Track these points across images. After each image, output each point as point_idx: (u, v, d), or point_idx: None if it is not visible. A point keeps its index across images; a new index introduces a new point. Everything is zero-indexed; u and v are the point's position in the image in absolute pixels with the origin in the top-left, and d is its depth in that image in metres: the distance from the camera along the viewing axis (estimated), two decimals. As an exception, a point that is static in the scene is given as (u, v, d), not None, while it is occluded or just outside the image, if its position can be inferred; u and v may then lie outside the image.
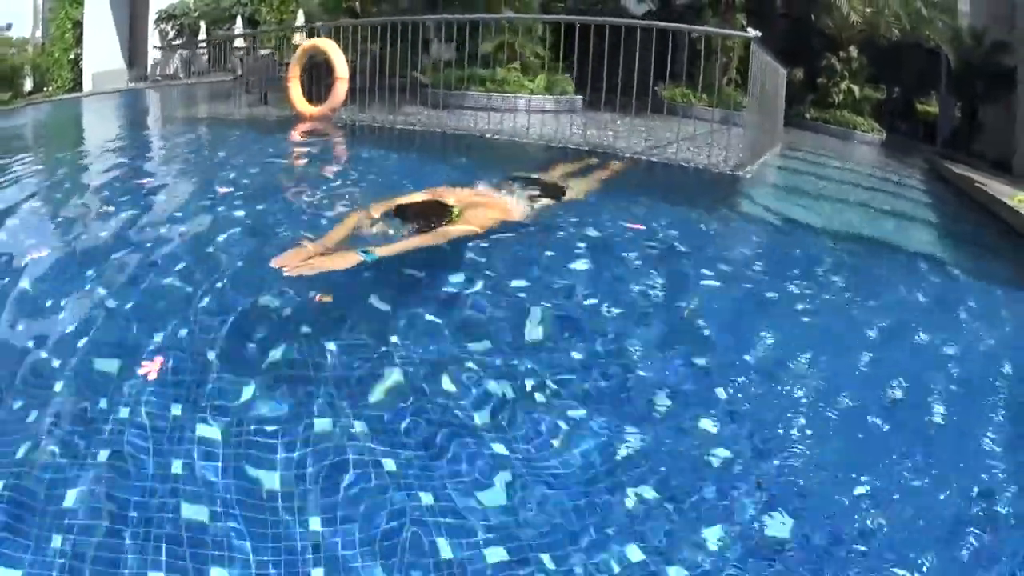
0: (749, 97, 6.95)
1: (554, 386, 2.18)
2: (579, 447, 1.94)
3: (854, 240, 4.79)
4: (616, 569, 1.58)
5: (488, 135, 7.22)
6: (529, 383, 2.16)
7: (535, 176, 4.31)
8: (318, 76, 8.18)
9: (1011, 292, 3.82)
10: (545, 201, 3.81)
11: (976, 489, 1.98)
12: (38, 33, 17.19)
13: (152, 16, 16.54)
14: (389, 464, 1.77)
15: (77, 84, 16.47)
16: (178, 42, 15.81)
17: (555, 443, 1.93)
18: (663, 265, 3.26)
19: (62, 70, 16.63)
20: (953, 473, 2.03)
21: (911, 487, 1.96)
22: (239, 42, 13.80)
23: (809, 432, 2.15)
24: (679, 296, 2.94)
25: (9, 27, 16.05)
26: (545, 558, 1.58)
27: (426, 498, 1.69)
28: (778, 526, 1.75)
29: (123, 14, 16.75)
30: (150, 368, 2.06)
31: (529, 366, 2.25)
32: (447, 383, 2.10)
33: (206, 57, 15.87)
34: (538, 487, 1.78)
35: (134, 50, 16.93)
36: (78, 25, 16.53)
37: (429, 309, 2.50)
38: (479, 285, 2.74)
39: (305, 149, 6.41)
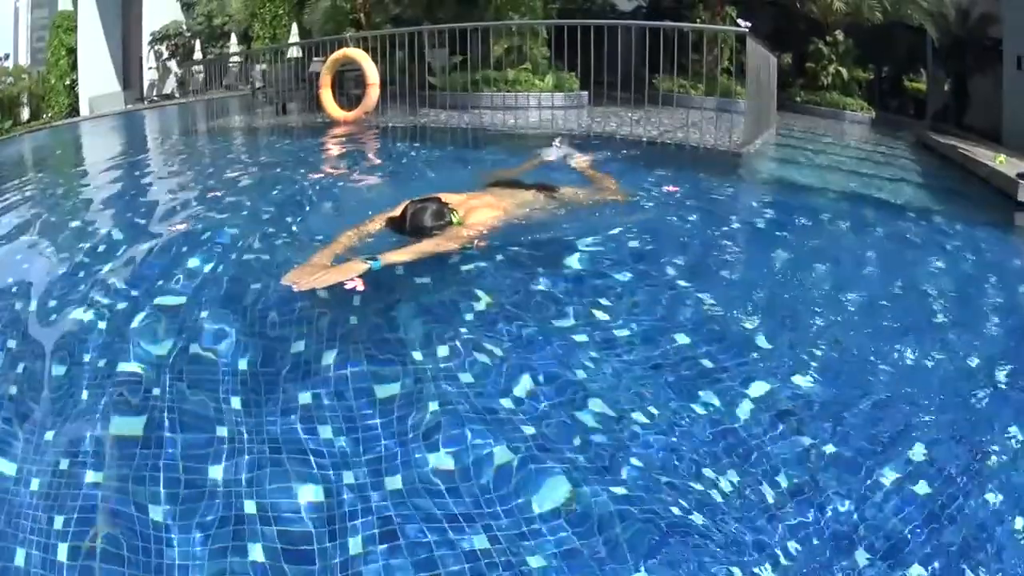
0: (747, 84, 8.19)
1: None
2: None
3: (847, 196, 6.12)
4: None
5: (516, 130, 8.52)
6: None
7: (517, 179, 4.36)
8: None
9: (988, 232, 5.15)
10: (543, 196, 3.93)
11: (974, 360, 2.87)
12: (28, 62, 18.34)
13: (146, 38, 17.70)
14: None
15: (74, 109, 17.60)
16: (193, 59, 16.93)
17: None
18: (698, 215, 4.50)
19: (59, 96, 17.76)
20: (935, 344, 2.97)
21: (910, 359, 2.83)
22: (236, 57, 15.07)
23: (828, 321, 3.12)
24: (716, 234, 4.14)
25: (7, 57, 17.22)
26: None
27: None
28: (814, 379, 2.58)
29: (116, 38, 17.90)
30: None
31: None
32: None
33: (203, 75, 17.07)
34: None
35: (128, 72, 18.07)
36: (72, 52, 17.67)
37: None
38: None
39: (369, 145, 7.69)
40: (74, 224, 4.47)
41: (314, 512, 1.85)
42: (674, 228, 4.11)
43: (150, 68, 17.80)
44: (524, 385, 2.33)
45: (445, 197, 3.36)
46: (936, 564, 1.86)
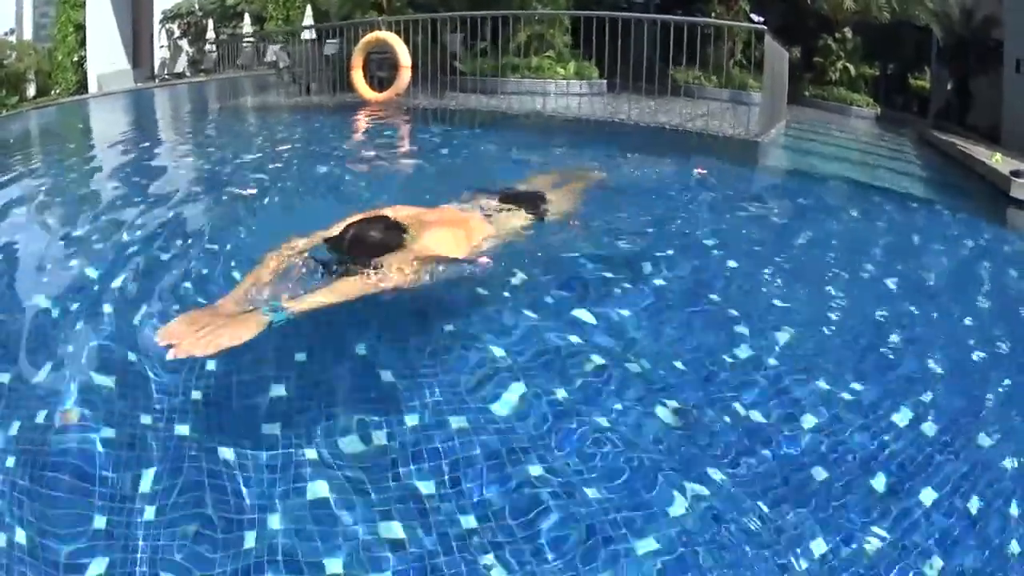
0: (764, 78, 8.92)
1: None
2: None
3: (855, 184, 6.90)
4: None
5: (545, 114, 9.25)
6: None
7: (507, 188, 3.92)
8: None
9: (983, 223, 5.91)
10: (524, 212, 3.49)
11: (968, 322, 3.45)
12: (32, 37, 18.78)
13: (157, 16, 18.23)
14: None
15: (82, 86, 18.08)
16: (206, 38, 17.46)
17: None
18: (729, 196, 5.22)
19: (66, 73, 18.24)
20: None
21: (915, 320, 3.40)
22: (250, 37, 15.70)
23: (839, 283, 3.75)
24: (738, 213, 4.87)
25: (12, 32, 17.67)
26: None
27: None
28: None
29: (126, 15, 18.41)
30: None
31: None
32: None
33: (215, 55, 17.65)
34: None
35: (138, 50, 18.59)
36: (80, 28, 18.15)
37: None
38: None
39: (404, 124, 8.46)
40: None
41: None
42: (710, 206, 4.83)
43: (161, 47, 18.32)
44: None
45: (398, 211, 2.94)
46: (946, 485, 2.19)
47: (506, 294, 2.98)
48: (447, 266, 2.77)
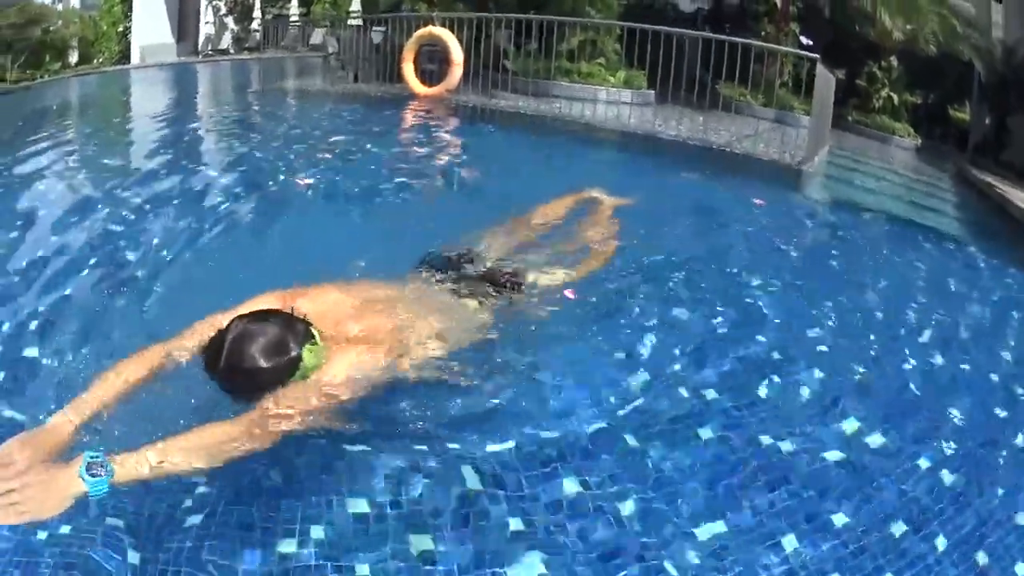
0: (813, 105, 8.96)
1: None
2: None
3: (893, 220, 6.98)
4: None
5: (594, 124, 9.30)
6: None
7: (477, 263, 3.08)
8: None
9: (1011, 265, 5.78)
10: (489, 301, 2.73)
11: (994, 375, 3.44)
12: (79, 6, 18.95)
13: (205, -8, 18.37)
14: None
15: (124, 57, 18.23)
16: (253, 16, 17.61)
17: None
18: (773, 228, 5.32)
19: (110, 43, 18.38)
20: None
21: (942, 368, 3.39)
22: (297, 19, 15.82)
23: (869, 303, 3.99)
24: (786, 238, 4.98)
25: (59, 0, 17.82)
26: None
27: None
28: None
29: (172, -12, 18.57)
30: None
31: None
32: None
33: (259, 34, 17.79)
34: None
35: (183, 25, 18.71)
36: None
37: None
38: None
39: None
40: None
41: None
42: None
43: (207, 23, 18.44)
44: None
45: (319, 298, 2.21)
46: (958, 535, 2.20)
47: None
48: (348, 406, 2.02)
